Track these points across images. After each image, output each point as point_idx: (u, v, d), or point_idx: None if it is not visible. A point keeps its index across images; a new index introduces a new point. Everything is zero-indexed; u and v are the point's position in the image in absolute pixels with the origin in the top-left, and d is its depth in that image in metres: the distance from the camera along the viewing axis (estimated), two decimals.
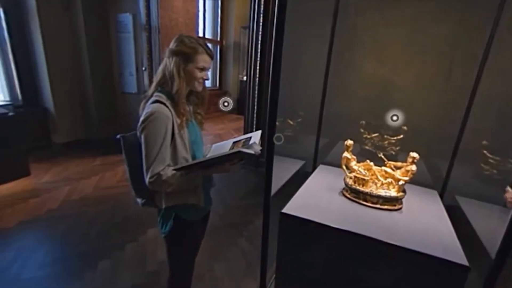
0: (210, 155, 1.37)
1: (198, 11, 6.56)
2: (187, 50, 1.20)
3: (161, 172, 1.14)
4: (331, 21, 2.01)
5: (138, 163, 1.20)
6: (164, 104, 1.18)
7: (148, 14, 4.35)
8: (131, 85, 4.80)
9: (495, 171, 1.66)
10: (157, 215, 1.37)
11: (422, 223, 1.38)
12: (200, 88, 1.29)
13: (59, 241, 2.49)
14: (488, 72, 1.62)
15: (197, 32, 6.71)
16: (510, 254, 1.19)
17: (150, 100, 1.20)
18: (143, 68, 4.58)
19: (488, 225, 1.43)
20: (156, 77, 1.25)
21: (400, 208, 1.50)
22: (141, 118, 1.16)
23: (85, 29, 4.45)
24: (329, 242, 1.33)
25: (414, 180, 1.50)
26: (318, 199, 1.56)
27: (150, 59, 4.52)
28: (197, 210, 1.34)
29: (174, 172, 1.15)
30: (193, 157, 1.29)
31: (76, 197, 3.24)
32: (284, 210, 1.41)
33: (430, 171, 1.83)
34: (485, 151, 1.71)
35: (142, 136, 1.15)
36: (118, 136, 1.25)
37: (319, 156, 2.17)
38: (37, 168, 3.85)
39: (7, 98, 4.27)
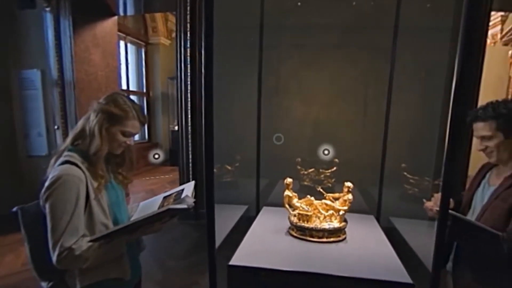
0: (136, 216, 1.21)
1: (120, 63, 6.35)
2: (117, 112, 1.09)
3: (74, 246, 0.94)
4: (257, 69, 2.14)
5: (41, 239, 0.98)
6: (76, 164, 1.01)
7: (61, 69, 4.01)
8: (40, 147, 4.15)
9: (416, 189, 1.88)
10: None
11: (366, 250, 1.44)
12: (118, 152, 1.16)
13: None
14: (394, 106, 1.91)
15: (120, 85, 6.44)
16: (443, 264, 1.29)
17: (59, 161, 1.03)
18: (55, 127, 4.06)
19: (421, 240, 1.55)
20: (75, 130, 1.11)
21: (345, 238, 1.53)
22: (46, 184, 0.97)
23: None
24: (282, 287, 1.25)
25: (352, 208, 1.57)
26: (266, 243, 1.50)
27: (64, 116, 4.05)
28: (123, 284, 1.13)
29: (90, 244, 0.97)
30: (115, 222, 1.12)
31: None
32: (231, 262, 1.30)
33: (364, 198, 1.97)
34: (405, 173, 1.94)
35: (47, 206, 0.96)
36: (14, 209, 1.01)
37: (262, 198, 2.14)
38: None
39: None
